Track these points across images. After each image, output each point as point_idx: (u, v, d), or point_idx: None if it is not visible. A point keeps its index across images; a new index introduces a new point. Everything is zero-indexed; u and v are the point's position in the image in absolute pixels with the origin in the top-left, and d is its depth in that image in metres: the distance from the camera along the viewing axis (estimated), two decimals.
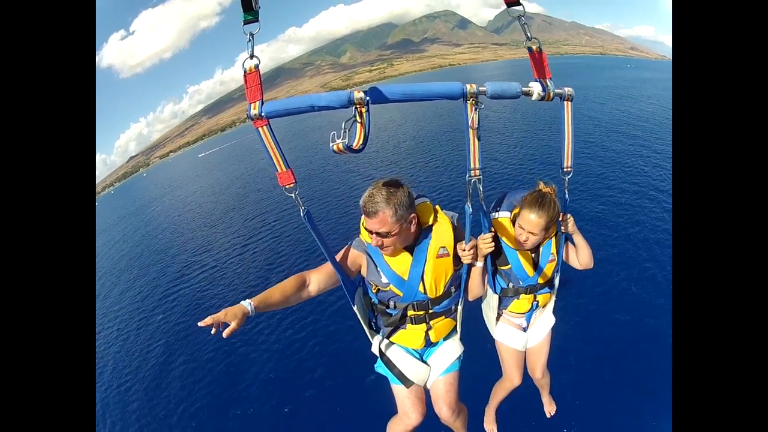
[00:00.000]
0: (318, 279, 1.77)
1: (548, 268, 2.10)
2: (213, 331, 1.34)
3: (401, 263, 1.80)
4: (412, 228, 1.73)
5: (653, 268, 6.37)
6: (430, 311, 1.92)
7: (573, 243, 2.08)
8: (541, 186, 1.96)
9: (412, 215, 1.70)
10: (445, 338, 2.10)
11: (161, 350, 7.99)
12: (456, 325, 2.10)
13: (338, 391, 5.46)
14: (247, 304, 1.49)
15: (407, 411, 2.01)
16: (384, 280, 1.82)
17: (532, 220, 1.87)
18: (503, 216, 2.04)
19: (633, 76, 38.97)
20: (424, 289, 1.84)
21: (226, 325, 1.37)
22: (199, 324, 1.32)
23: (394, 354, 2.04)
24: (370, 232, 1.67)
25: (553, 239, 2.05)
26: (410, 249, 1.80)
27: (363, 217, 1.71)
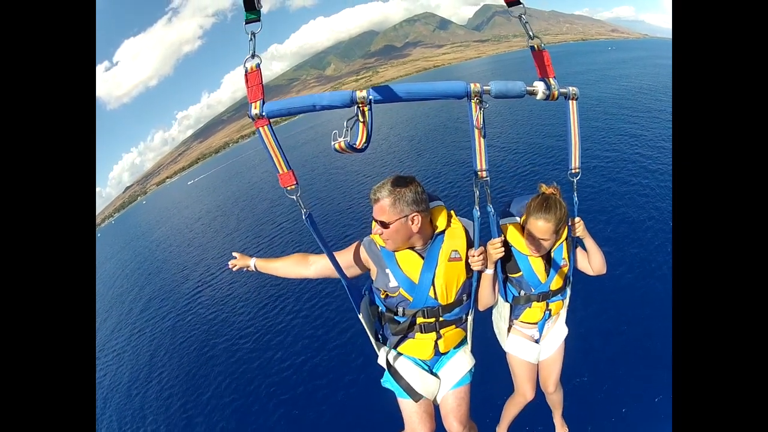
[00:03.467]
0: (320, 265, 1.89)
1: (560, 274, 2.05)
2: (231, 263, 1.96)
3: (412, 266, 1.76)
4: (414, 228, 1.70)
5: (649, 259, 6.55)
6: (441, 319, 1.85)
7: (584, 248, 2.02)
8: (543, 188, 1.92)
9: (414, 214, 1.67)
10: (455, 349, 2.03)
11: (163, 357, 8.32)
12: (466, 336, 2.03)
13: (343, 406, 5.44)
14: (252, 262, 1.97)
15: (415, 427, 1.92)
16: (393, 283, 1.77)
17: (540, 227, 1.83)
18: (513, 221, 2.00)
19: (614, 58, 40.66)
20: (435, 294, 1.79)
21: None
22: (233, 253, 1.96)
23: (402, 366, 1.97)
24: (374, 219, 1.69)
25: (564, 244, 2.01)
26: (422, 253, 1.77)
27: None
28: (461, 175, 11.77)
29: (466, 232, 1.83)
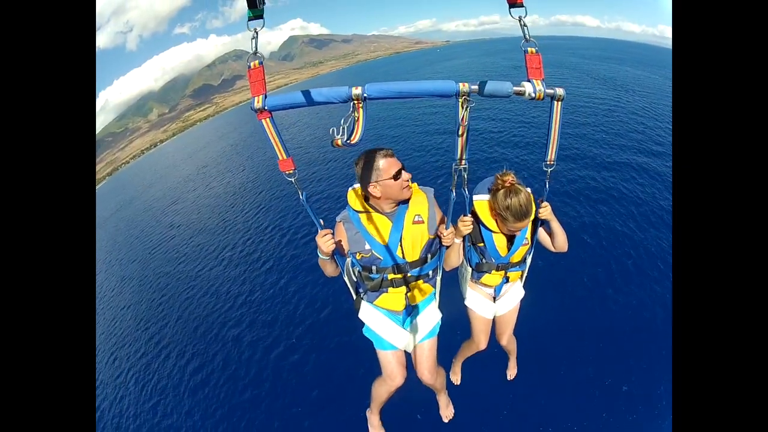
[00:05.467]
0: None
1: (520, 251, 2.25)
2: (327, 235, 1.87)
3: (382, 229, 1.99)
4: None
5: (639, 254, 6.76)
6: (408, 275, 2.09)
7: (549, 228, 2.19)
8: (501, 180, 2.06)
9: None
10: (424, 305, 2.26)
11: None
12: (434, 292, 2.27)
13: (329, 353, 6.07)
14: (331, 255, 1.95)
15: (390, 374, 2.23)
16: (366, 246, 2.02)
17: (522, 224, 2.06)
18: (482, 198, 2.16)
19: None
20: (402, 253, 2.03)
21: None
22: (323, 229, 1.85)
23: (378, 319, 2.23)
24: (398, 173, 1.90)
25: (529, 225, 2.17)
26: (390, 217, 2.02)
27: (374, 177, 1.89)
28: (441, 159, 12.32)
29: (428, 198, 2.08)
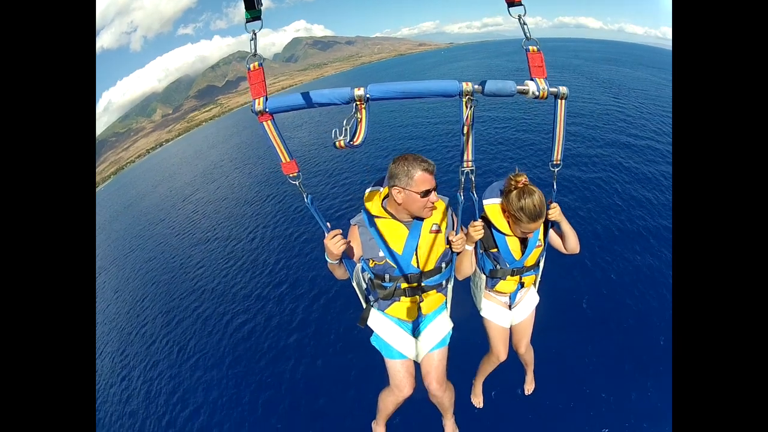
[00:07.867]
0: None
1: (534, 253, 2.21)
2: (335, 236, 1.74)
3: (398, 237, 1.94)
4: None
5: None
6: (422, 284, 2.04)
7: (559, 230, 2.16)
8: (514, 181, 2.02)
9: None
10: (435, 314, 2.21)
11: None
12: (446, 301, 2.22)
13: (335, 361, 6.16)
14: (340, 259, 1.85)
15: (398, 384, 2.15)
16: (380, 253, 1.96)
17: (536, 225, 2.01)
18: (493, 202, 2.13)
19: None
20: (417, 262, 1.98)
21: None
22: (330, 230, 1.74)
23: (387, 327, 2.16)
24: (428, 192, 1.82)
25: (541, 226, 2.13)
26: (408, 225, 1.97)
27: (404, 183, 1.81)
28: (449, 160, 12.41)
29: (446, 208, 2.04)
